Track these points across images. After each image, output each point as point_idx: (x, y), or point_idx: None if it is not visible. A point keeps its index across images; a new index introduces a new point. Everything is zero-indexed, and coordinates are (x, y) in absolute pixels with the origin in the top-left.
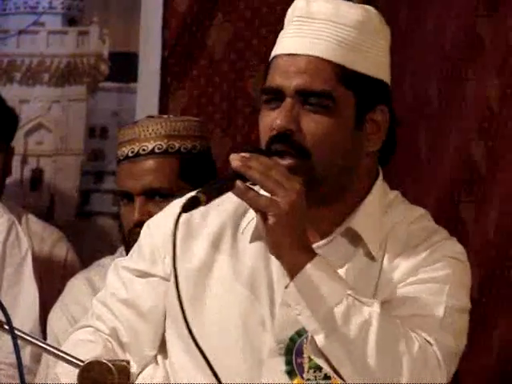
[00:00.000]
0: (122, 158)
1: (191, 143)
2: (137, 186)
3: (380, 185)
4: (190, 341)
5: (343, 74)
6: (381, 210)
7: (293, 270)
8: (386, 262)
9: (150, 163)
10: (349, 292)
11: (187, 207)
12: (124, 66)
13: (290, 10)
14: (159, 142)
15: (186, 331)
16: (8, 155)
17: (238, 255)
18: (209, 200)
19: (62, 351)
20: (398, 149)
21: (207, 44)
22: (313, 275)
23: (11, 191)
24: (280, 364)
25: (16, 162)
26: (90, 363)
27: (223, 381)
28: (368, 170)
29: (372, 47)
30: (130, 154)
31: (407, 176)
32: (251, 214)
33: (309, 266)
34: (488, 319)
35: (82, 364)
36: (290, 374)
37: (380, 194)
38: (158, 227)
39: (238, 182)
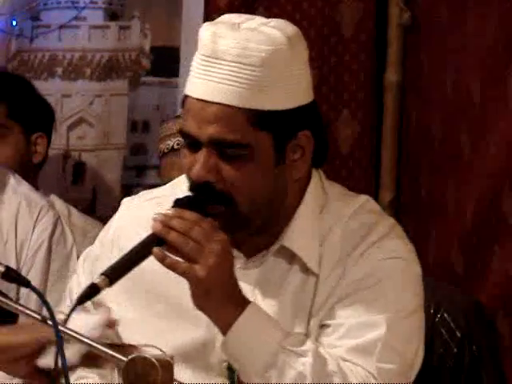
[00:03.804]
0: (167, 150)
1: None
2: None
3: (313, 189)
4: None
5: (255, 118)
6: (314, 215)
7: (222, 330)
8: (322, 274)
9: None
10: (282, 344)
11: (85, 298)
12: (166, 61)
13: (199, 42)
14: None
15: None
16: (30, 144)
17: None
18: (115, 280)
19: (107, 347)
20: (440, 148)
21: None
22: (242, 334)
23: (54, 185)
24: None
25: (58, 157)
26: (134, 359)
27: None
28: (299, 188)
29: (282, 79)
30: (176, 146)
31: (450, 175)
32: None
33: (236, 324)
34: None
35: (125, 359)
36: None
37: (314, 198)
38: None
39: (155, 250)
